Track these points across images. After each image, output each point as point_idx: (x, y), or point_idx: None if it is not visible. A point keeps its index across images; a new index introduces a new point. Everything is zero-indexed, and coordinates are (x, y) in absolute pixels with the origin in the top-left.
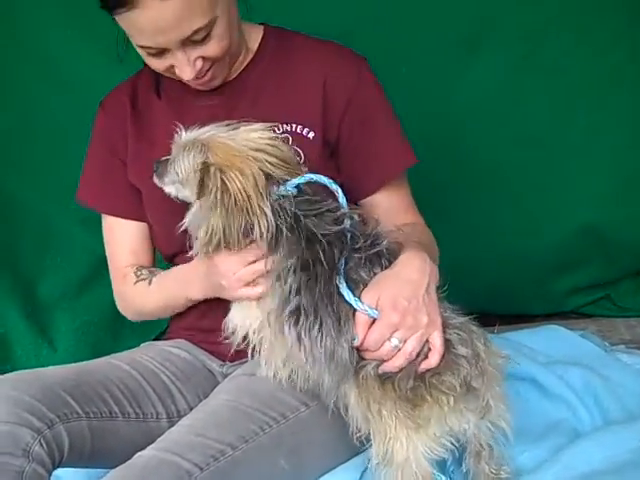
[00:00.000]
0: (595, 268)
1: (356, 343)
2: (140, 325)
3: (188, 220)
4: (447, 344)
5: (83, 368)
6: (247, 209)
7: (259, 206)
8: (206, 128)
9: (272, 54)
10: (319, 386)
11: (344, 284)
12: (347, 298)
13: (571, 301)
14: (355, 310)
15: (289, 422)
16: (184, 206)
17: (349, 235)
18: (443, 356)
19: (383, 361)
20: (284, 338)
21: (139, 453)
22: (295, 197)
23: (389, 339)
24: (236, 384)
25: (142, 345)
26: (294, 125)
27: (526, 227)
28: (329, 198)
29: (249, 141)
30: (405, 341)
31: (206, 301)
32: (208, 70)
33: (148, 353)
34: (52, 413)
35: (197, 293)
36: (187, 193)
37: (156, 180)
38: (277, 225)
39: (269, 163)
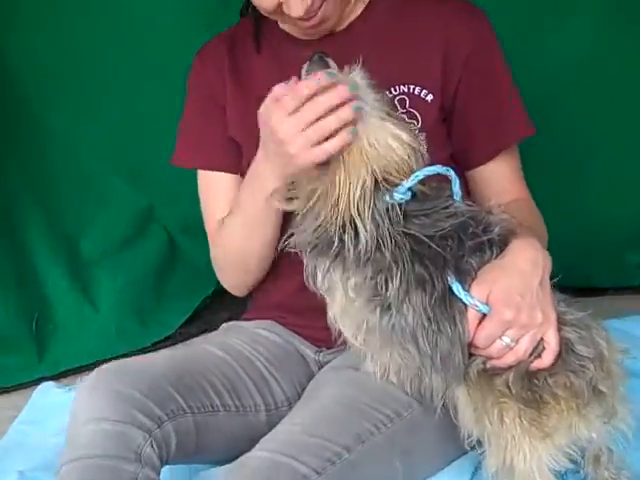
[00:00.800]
0: None
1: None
2: (186, 287)
3: None
4: (565, 343)
5: (181, 356)
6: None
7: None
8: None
9: (388, 5)
10: (427, 388)
11: (453, 277)
12: (456, 292)
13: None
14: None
15: (404, 421)
16: None
17: (463, 227)
18: (558, 356)
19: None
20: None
21: (247, 454)
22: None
23: (500, 337)
24: (344, 378)
25: (223, 326)
26: (412, 86)
27: (611, 194)
28: (443, 186)
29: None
30: (517, 340)
31: (299, 277)
32: (318, 8)
33: (239, 336)
34: (161, 410)
35: (269, 178)
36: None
37: None
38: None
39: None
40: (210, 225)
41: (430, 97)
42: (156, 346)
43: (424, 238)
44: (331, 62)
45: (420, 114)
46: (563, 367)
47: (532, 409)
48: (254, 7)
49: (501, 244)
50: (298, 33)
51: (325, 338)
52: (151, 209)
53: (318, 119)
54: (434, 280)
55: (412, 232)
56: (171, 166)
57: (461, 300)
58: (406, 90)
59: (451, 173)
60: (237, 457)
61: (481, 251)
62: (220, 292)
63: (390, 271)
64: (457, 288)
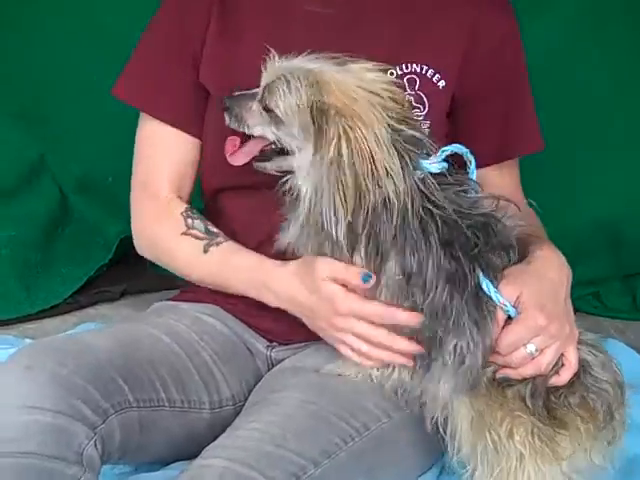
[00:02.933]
0: (597, 265)
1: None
2: (79, 252)
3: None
4: (582, 364)
5: (126, 339)
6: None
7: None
8: (306, 58)
9: None
10: (419, 397)
11: (481, 274)
12: (485, 290)
13: None
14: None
15: (371, 435)
16: None
17: (490, 221)
18: (574, 375)
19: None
20: None
21: (204, 462)
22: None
23: (525, 345)
24: (306, 381)
25: (156, 306)
26: (425, 67)
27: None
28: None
29: (363, 82)
30: (542, 350)
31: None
32: None
33: (182, 320)
34: (106, 402)
35: (278, 304)
36: (287, 134)
37: (231, 122)
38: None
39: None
40: (144, 199)
41: (442, 83)
42: (40, 315)
43: (459, 221)
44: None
45: (428, 100)
46: (582, 388)
47: (548, 427)
48: None
49: (519, 247)
50: None
51: (279, 331)
52: (43, 160)
53: None
54: (466, 273)
55: (445, 214)
56: (70, 115)
57: (490, 298)
58: (418, 70)
59: (471, 157)
60: (173, 457)
61: (506, 251)
62: (117, 260)
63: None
64: (487, 285)
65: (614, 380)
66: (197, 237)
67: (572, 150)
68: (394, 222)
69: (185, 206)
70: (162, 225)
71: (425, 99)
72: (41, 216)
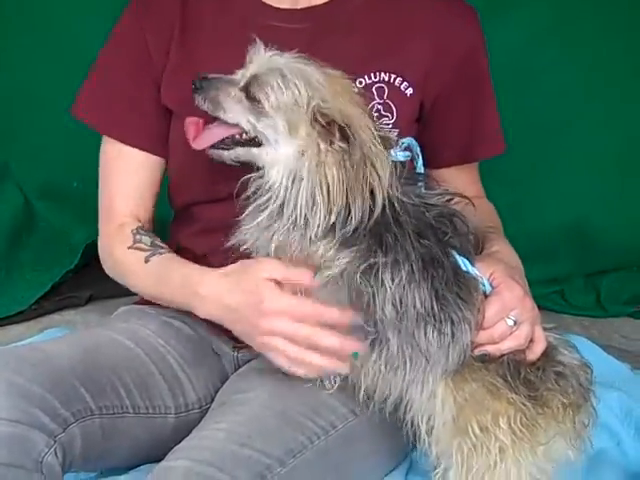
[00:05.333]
0: (561, 263)
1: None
2: (44, 258)
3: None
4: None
5: (88, 345)
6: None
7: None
8: (295, 56)
9: None
10: (387, 388)
11: (456, 253)
12: (463, 266)
13: None
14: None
15: (338, 433)
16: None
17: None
18: (544, 354)
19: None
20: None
21: (168, 463)
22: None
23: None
24: (272, 381)
25: (123, 310)
26: (393, 76)
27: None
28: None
29: (345, 87)
30: (519, 324)
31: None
32: None
33: (147, 325)
34: (66, 410)
35: (205, 312)
36: (265, 130)
37: (205, 104)
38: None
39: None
40: (107, 218)
41: (410, 91)
42: (4, 322)
43: (426, 213)
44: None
45: (396, 108)
46: (555, 364)
47: (530, 407)
48: None
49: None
50: None
51: None
52: (6, 166)
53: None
54: (440, 256)
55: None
56: (32, 121)
57: (468, 273)
58: (386, 79)
59: (419, 151)
60: (139, 462)
61: (469, 241)
62: (83, 265)
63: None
64: (463, 262)
65: (581, 360)
66: (142, 249)
67: (536, 151)
68: (375, 213)
69: (137, 225)
70: (117, 246)
71: (394, 107)
72: (5, 223)
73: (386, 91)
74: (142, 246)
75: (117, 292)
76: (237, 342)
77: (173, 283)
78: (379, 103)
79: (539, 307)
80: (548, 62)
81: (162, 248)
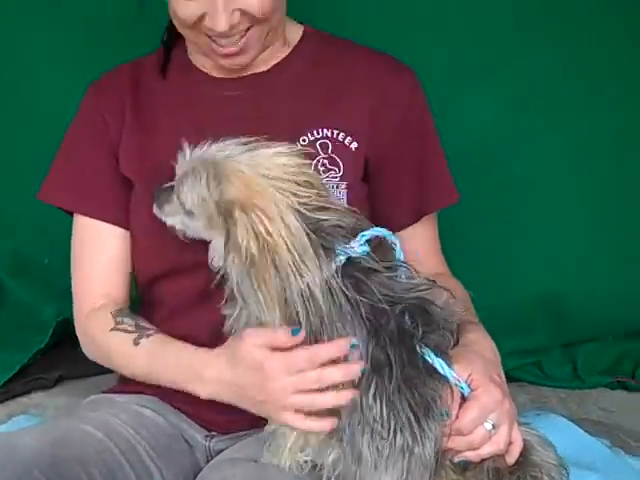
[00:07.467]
0: (537, 334)
1: (448, 422)
2: (12, 337)
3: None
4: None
5: (55, 436)
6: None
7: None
8: (216, 146)
9: (313, 55)
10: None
11: (432, 353)
12: (439, 369)
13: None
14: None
15: None
16: None
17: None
18: (520, 455)
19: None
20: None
21: None
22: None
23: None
24: (246, 473)
25: (92, 399)
26: (335, 131)
27: (482, 282)
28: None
29: (271, 170)
30: (498, 427)
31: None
32: (242, 36)
33: (117, 414)
34: None
35: (207, 393)
36: (197, 225)
37: (156, 210)
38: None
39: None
40: (82, 300)
41: (354, 145)
42: None
43: (386, 307)
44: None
45: (342, 161)
46: (531, 467)
47: None
48: (170, 32)
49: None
50: (211, 66)
51: (218, 421)
52: None
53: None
54: (396, 359)
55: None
56: (4, 195)
57: (445, 378)
58: (329, 134)
59: (395, 240)
60: None
61: (448, 332)
62: (52, 345)
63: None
64: (440, 364)
65: (557, 460)
66: (127, 331)
67: (508, 221)
68: (319, 310)
69: (116, 307)
70: (98, 329)
71: (339, 161)
72: None
73: (330, 146)
74: (126, 327)
75: (87, 372)
76: (209, 430)
77: (170, 365)
78: (324, 157)
79: (515, 379)
80: (523, 133)
81: (149, 330)
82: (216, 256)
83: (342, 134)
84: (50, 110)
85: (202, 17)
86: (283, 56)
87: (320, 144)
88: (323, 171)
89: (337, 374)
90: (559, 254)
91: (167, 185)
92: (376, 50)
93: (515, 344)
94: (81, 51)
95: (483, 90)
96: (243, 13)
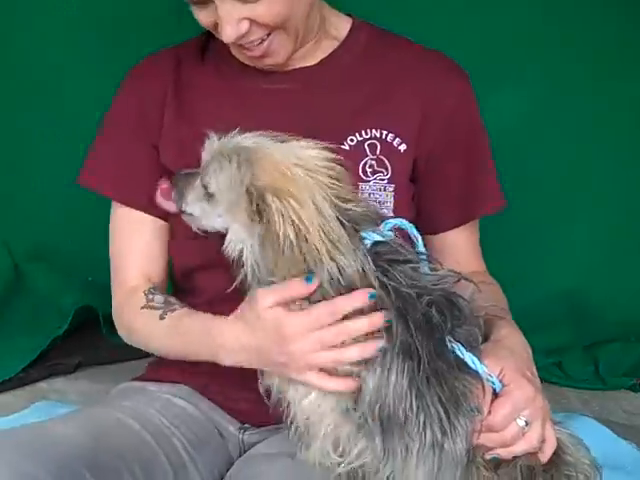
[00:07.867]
0: (559, 334)
1: (480, 418)
2: (32, 324)
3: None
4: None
5: (94, 427)
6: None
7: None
8: (243, 135)
9: (363, 48)
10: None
11: (462, 347)
12: (471, 364)
13: None
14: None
15: None
16: None
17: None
18: (554, 453)
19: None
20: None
21: None
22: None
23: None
24: (281, 469)
25: (121, 387)
26: (385, 132)
27: (505, 281)
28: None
29: (301, 159)
30: (531, 424)
31: None
32: (261, 43)
33: (151, 404)
34: None
35: (232, 360)
36: (216, 212)
37: (175, 197)
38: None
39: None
40: (120, 282)
41: (404, 147)
42: None
43: (412, 295)
44: None
45: (390, 163)
46: (565, 466)
47: None
48: None
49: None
50: (246, 60)
51: (252, 413)
52: None
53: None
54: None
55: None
56: (22, 183)
57: (477, 372)
58: (378, 135)
59: (416, 233)
60: None
61: (470, 331)
62: (72, 331)
63: None
64: (471, 359)
65: (590, 460)
66: (155, 308)
67: (534, 219)
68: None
69: (150, 286)
70: (130, 308)
71: (387, 163)
72: None
73: (378, 147)
74: (155, 305)
75: (106, 359)
76: (242, 422)
77: (195, 338)
78: (372, 159)
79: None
80: (547, 132)
81: (174, 305)
82: (232, 242)
83: (391, 135)
84: (79, 110)
85: (216, 24)
86: (331, 50)
87: (369, 145)
88: (371, 172)
89: (362, 323)
90: (582, 254)
91: (185, 172)
92: (426, 47)
93: (537, 343)
94: (111, 51)
95: (507, 88)
96: (253, 23)
